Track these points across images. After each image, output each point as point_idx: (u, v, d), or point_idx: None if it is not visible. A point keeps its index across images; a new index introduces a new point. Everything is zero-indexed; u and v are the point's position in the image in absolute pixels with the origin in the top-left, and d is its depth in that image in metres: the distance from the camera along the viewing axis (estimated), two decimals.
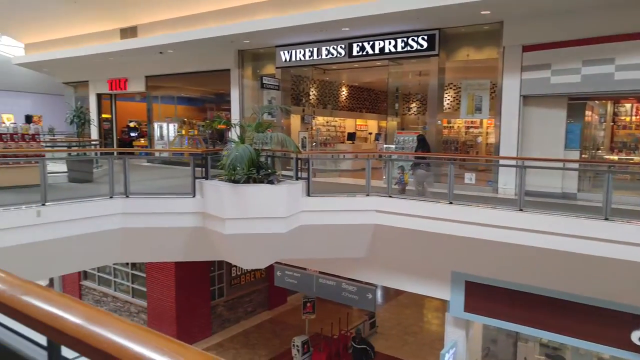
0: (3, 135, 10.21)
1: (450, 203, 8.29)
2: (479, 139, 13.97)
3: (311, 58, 12.60)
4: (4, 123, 13.20)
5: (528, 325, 8.40)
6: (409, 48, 11.03)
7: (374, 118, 20.24)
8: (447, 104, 14.17)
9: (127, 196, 8.82)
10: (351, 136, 18.08)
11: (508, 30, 9.65)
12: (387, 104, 13.56)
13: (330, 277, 11.54)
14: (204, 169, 9.29)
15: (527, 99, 9.71)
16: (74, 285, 17.05)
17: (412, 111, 16.21)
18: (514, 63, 9.64)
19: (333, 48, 12.10)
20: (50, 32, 16.91)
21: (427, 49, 10.80)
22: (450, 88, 14.25)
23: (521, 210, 7.65)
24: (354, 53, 11.85)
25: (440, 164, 10.71)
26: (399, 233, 8.88)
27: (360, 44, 11.69)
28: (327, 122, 17.89)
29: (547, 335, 8.60)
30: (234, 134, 10.00)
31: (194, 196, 8.99)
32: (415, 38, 10.89)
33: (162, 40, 13.42)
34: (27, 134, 10.72)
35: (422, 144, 10.37)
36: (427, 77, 11.81)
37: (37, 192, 7.95)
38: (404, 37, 11.02)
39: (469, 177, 9.71)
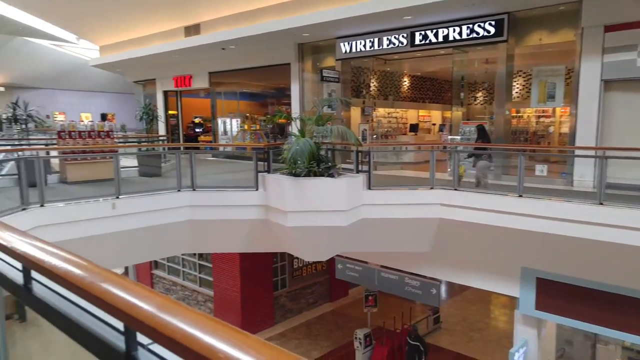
0: (82, 133, 10.84)
1: (520, 196, 7.87)
2: (551, 129, 13.18)
3: (372, 49, 12.40)
4: (82, 121, 14.07)
5: (608, 326, 7.83)
6: (474, 35, 10.56)
7: (438, 108, 19.66)
8: (516, 92, 13.47)
9: (194, 189, 9.10)
10: (414, 127, 17.67)
11: (588, 9, 8.93)
12: (451, 93, 13.08)
13: (392, 271, 11.36)
14: (266, 163, 9.43)
15: (608, 84, 8.98)
16: (146, 274, 17.94)
17: (478, 101, 15.58)
18: (594, 45, 8.93)
19: (395, 37, 11.84)
20: (121, 34, 17.79)
21: (494, 35, 10.29)
22: (520, 75, 13.53)
23: (601, 204, 7.11)
24: (417, 42, 11.53)
25: (507, 155, 10.23)
26: (465, 227, 8.55)
27: (423, 32, 11.35)
28: (389, 113, 17.58)
29: (630, 338, 7.98)
30: (294, 128, 10.05)
31: (256, 189, 9.12)
32: (482, 24, 10.41)
33: (224, 37, 13.70)
34: (102, 131, 11.31)
35: (482, 134, 9.96)
36: (495, 65, 11.26)
37: (112, 185, 8.38)
38: (470, 24, 10.56)
39: (540, 169, 9.16)
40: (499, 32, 10.20)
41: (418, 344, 11.91)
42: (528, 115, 13.78)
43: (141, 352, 1.04)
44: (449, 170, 9.66)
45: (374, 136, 15.03)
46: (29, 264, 1.31)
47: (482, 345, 13.65)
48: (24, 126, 10.76)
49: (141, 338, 1.06)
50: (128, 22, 16.50)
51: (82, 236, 7.70)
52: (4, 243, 1.43)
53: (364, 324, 13.31)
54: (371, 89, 15.51)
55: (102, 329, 1.14)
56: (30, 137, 11.59)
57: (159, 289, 17.60)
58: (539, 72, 10.34)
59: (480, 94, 15.54)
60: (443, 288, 17.89)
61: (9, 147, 10.71)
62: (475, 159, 9.40)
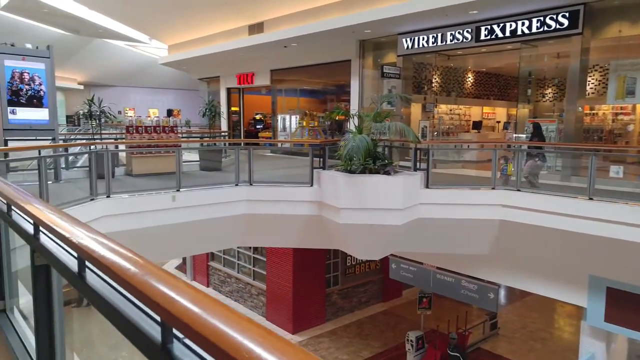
0: (148, 128, 11.37)
1: (591, 199, 7.41)
2: (630, 127, 12.27)
3: (435, 44, 12.11)
4: (149, 117, 14.85)
5: None
6: (545, 28, 10.02)
7: (503, 105, 18.90)
8: (591, 88, 12.66)
9: (251, 184, 9.29)
10: (477, 125, 17.08)
11: None
12: (517, 90, 12.53)
13: (448, 273, 11.09)
14: (322, 159, 9.46)
15: None
16: (202, 266, 18.56)
17: (547, 97, 14.81)
18: None
19: (459, 33, 11.49)
20: (188, 34, 18.49)
21: (568, 28, 9.70)
22: (595, 70, 12.70)
23: None
24: (482, 37, 11.12)
25: (577, 155, 9.67)
26: (527, 230, 8.18)
27: (488, 26, 10.93)
28: (451, 110, 17.10)
29: None
30: (352, 124, 10.01)
31: (311, 185, 9.18)
32: (554, 16, 9.85)
33: (287, 35, 13.87)
34: (167, 126, 11.80)
35: (537, 132, 9.63)
36: (567, 59, 10.64)
37: (174, 178, 8.72)
38: (540, 17, 10.03)
39: (616, 170, 8.56)
40: (573, 24, 9.61)
41: (458, 354, 11.49)
42: (604, 113, 12.92)
43: (176, 345, 1.06)
44: (512, 169, 9.26)
45: (435, 133, 14.69)
46: (82, 254, 1.37)
47: (544, 356, 13.01)
48: (97, 121, 11.39)
49: (177, 331, 1.07)
50: (195, 22, 17.10)
51: (143, 226, 8.10)
52: (63, 233, 1.50)
53: (416, 326, 13.08)
54: (433, 85, 15.16)
55: (142, 320, 1.16)
56: (103, 132, 12.28)
57: (214, 281, 18.20)
58: (617, 67, 9.68)
59: (549, 90, 14.76)
60: (502, 293, 17.26)
61: (84, 141, 11.41)
62: (527, 157, 9.10)
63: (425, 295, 12.70)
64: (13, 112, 8.47)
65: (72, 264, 1.50)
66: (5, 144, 8.31)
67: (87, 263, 1.43)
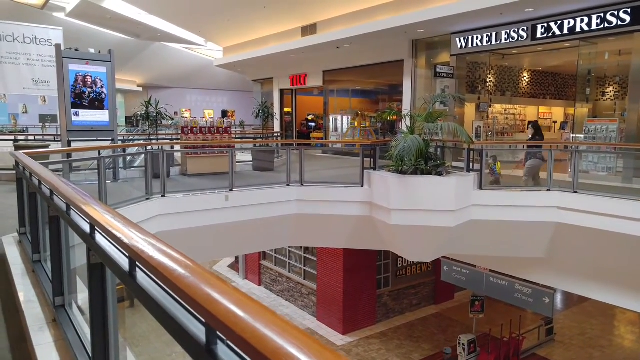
0: (202, 129, 11.72)
1: None
2: None
3: (489, 43, 11.76)
4: (204, 118, 15.30)
5: None
6: (606, 25, 9.50)
7: (560, 105, 18.09)
8: None
9: (302, 184, 9.37)
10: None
11: None
12: (576, 89, 11.95)
13: (502, 276, 10.76)
14: (372, 160, 9.41)
15: None
16: (254, 264, 18.90)
17: (607, 96, 14.04)
18: None
19: (514, 31, 11.11)
20: (242, 36, 18.92)
21: (630, 24, 9.15)
22: None
23: None
24: (538, 35, 10.70)
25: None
26: (586, 233, 7.80)
27: (545, 24, 10.49)
28: (505, 110, 16.54)
29: None
30: (404, 125, 9.90)
31: (362, 186, 9.16)
32: (615, 12, 9.31)
33: (340, 35, 13.91)
34: (221, 127, 12.13)
35: (537, 131, 9.78)
36: (630, 57, 10.06)
37: (227, 179, 8.90)
38: (600, 13, 9.52)
39: None
40: (636, 20, 9.06)
41: None
42: None
43: (220, 346, 1.09)
44: (569, 171, 8.86)
45: (489, 133, 14.27)
46: (132, 254, 1.44)
47: None
48: (154, 123, 11.85)
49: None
50: (249, 24, 17.47)
51: (197, 225, 8.31)
52: (115, 233, 1.59)
53: (468, 330, 12.77)
54: (487, 84, 14.73)
55: (188, 321, 1.20)
56: (159, 132, 12.75)
57: (265, 280, 18.50)
58: None
59: (610, 88, 13.99)
60: (558, 298, 16.55)
61: (140, 142, 11.88)
62: (528, 157, 9.09)
63: (477, 298, 12.37)
64: (76, 114, 8.78)
65: (124, 263, 1.57)
66: (69, 145, 8.68)
67: (137, 263, 1.50)
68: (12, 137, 13.84)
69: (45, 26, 16.63)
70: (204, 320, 1.12)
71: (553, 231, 8.44)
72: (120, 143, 10.91)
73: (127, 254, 1.51)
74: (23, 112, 23.31)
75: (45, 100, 22.01)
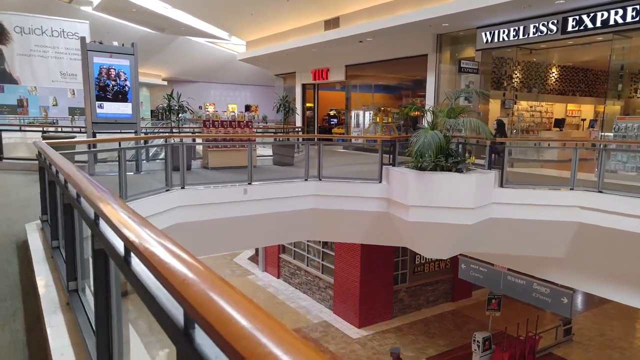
0: (224, 122, 11.81)
1: None
2: None
3: (516, 38, 11.50)
4: (227, 112, 15.43)
5: None
6: None
7: (590, 102, 17.57)
8: None
9: (320, 179, 9.37)
10: (559, 122, 16.04)
11: None
12: (607, 85, 11.59)
13: (520, 275, 10.61)
14: (391, 156, 9.34)
15: None
16: (273, 257, 19.06)
17: None
18: None
19: (543, 25, 10.82)
20: (265, 30, 18.95)
21: None
22: None
23: None
24: (569, 29, 10.39)
25: None
26: (609, 234, 7.60)
27: (577, 17, 10.19)
28: (531, 107, 16.19)
29: None
30: (427, 121, 9.78)
31: (380, 182, 9.11)
32: None
33: (363, 29, 13.81)
34: (242, 121, 12.20)
35: (501, 129, 10.55)
36: None
37: (247, 172, 8.95)
38: (636, 5, 9.19)
39: None
40: None
41: None
42: None
43: (198, 330, 1.09)
44: (596, 170, 8.62)
45: (514, 131, 14.00)
46: (126, 242, 1.47)
47: None
48: (176, 115, 12.00)
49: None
50: (272, 18, 17.50)
51: (215, 218, 8.40)
52: (112, 220, 1.62)
53: (484, 327, 12.69)
54: (513, 80, 14.43)
55: (173, 306, 1.20)
56: (183, 126, 12.86)
57: (284, 273, 18.62)
58: None
59: None
60: (579, 298, 16.25)
61: (161, 135, 12.02)
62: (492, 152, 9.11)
63: (494, 296, 12.24)
64: (100, 107, 8.95)
65: (121, 250, 1.60)
66: (94, 137, 8.86)
67: (131, 250, 1.51)
68: (41, 129, 14.19)
69: (73, 19, 16.94)
70: (182, 304, 1.13)
71: (574, 231, 8.25)
72: (143, 136, 11.07)
73: (123, 241, 1.53)
74: (53, 105, 23.98)
75: (74, 94, 22.56)
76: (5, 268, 4.09)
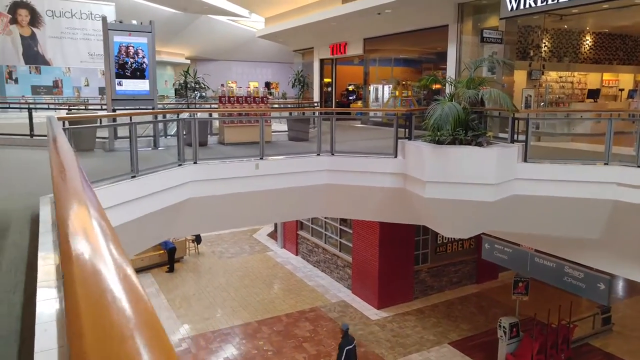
0: (239, 98, 11.59)
1: None
2: None
3: (544, 3, 10.67)
4: (248, 88, 15.42)
5: None
6: None
7: (629, 71, 16.47)
8: None
9: (333, 154, 9.04)
10: (593, 93, 15.12)
11: None
12: None
13: (549, 257, 10.01)
14: (407, 130, 8.93)
15: None
16: (292, 234, 18.93)
17: None
18: None
19: None
20: (284, 5, 18.52)
21: None
22: None
23: None
24: None
25: None
26: None
27: None
28: (561, 77, 15.31)
29: None
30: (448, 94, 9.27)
31: (395, 157, 8.71)
32: None
33: (381, 0, 13.23)
34: (257, 97, 11.95)
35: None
36: None
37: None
38: None
39: None
40: None
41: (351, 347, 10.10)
42: None
43: None
44: (635, 143, 7.98)
45: (541, 103, 13.26)
46: None
47: None
48: (192, 92, 11.85)
49: None
50: None
51: (228, 192, 8.26)
52: None
53: (511, 312, 12.09)
54: (541, 50, 13.61)
55: None
56: (202, 102, 12.78)
57: (302, 250, 18.50)
58: None
59: None
60: (619, 285, 15.48)
61: (177, 110, 11.92)
62: None
63: (521, 279, 11.62)
64: (119, 84, 9.20)
65: None
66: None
67: None
68: (67, 107, 14.76)
69: (100, 2, 17.19)
70: None
71: (610, 210, 7.62)
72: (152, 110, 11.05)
73: None
74: (85, 85, 25.23)
75: (103, 74, 23.10)
76: (16, 240, 4.09)
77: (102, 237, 0.98)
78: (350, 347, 10.02)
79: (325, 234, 16.99)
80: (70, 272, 0.81)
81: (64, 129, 5.85)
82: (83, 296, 0.77)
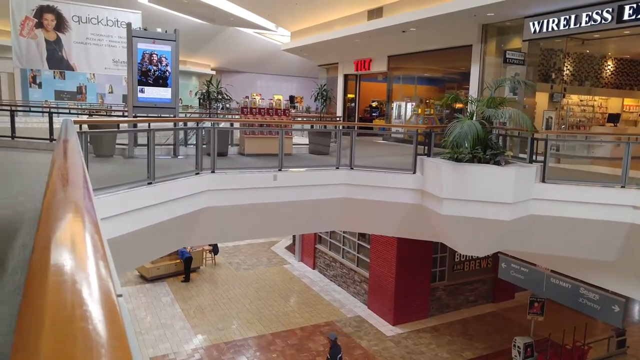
0: (261, 110, 11.88)
1: None
2: None
3: (567, 27, 10.84)
4: (272, 100, 15.64)
5: None
6: None
7: None
8: None
9: (352, 168, 9.21)
10: (613, 118, 15.07)
11: None
12: None
13: (565, 278, 9.99)
14: (427, 147, 9.08)
15: None
16: (310, 247, 19.06)
17: None
18: None
19: (596, 13, 10.14)
20: (310, 20, 18.91)
21: None
22: None
23: None
24: (625, 17, 9.67)
25: None
26: None
27: (634, 4, 9.46)
28: (582, 100, 15.31)
29: None
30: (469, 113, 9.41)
31: (414, 173, 8.85)
32: None
33: (406, 19, 13.47)
34: (279, 109, 12.22)
35: None
36: None
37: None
38: None
39: None
40: None
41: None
42: None
43: None
44: None
45: (562, 126, 13.28)
46: None
47: None
48: (216, 102, 12.16)
49: None
50: (316, 8, 17.40)
51: (245, 203, 8.39)
52: None
53: (526, 332, 12.04)
54: (563, 73, 13.67)
55: None
56: (225, 112, 13.04)
57: (319, 264, 18.59)
58: None
59: None
60: (636, 308, 15.21)
61: (197, 118, 12.16)
62: None
63: (537, 299, 11.60)
64: (141, 91, 9.19)
65: None
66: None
67: None
68: (88, 113, 15.00)
69: (127, 9, 17.53)
70: None
71: (626, 232, 7.66)
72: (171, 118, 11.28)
73: None
74: (109, 92, 25.19)
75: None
76: (26, 242, 4.24)
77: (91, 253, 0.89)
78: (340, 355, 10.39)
79: (343, 249, 17.09)
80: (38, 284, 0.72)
81: (80, 133, 5.81)
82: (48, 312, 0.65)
